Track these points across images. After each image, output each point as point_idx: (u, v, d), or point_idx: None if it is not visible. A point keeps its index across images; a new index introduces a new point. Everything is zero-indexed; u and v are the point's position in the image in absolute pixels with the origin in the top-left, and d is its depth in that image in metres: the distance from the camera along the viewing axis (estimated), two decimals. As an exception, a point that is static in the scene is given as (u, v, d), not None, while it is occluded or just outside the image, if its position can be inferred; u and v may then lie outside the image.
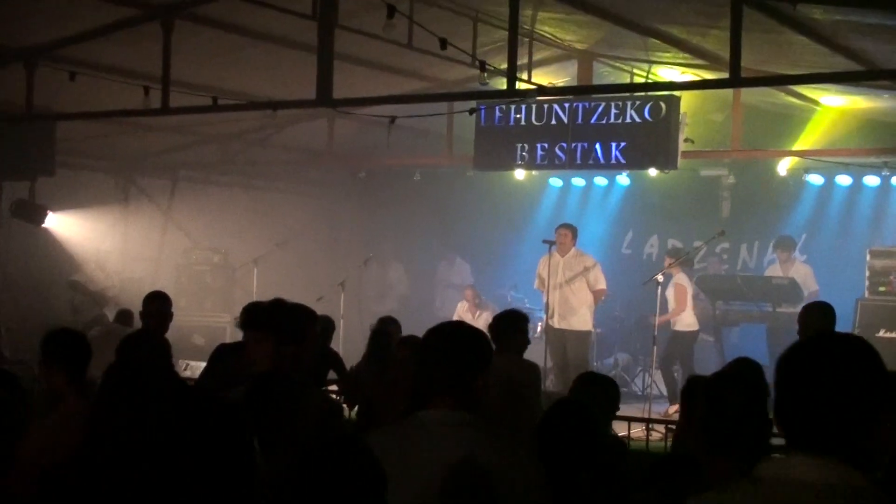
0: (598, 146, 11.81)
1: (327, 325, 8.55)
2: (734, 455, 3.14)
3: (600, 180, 15.03)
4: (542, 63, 11.82)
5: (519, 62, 8.92)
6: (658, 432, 9.03)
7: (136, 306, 7.61)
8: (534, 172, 13.79)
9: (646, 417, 9.58)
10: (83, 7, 9.26)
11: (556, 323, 11.68)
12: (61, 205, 13.15)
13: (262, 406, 3.83)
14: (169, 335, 7.45)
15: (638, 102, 11.56)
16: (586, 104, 11.86)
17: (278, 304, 4.56)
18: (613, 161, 11.89)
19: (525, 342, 7.10)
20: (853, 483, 2.15)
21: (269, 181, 16.41)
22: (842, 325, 11.70)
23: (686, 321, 12.22)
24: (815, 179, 13.60)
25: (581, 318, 11.72)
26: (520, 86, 9.44)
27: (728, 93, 11.73)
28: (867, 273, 12.07)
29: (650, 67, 12.23)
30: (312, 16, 8.85)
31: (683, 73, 12.07)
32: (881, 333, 11.54)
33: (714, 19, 8.84)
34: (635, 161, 11.89)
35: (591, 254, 12.25)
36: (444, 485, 3.12)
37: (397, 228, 15.95)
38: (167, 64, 9.70)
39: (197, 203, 15.48)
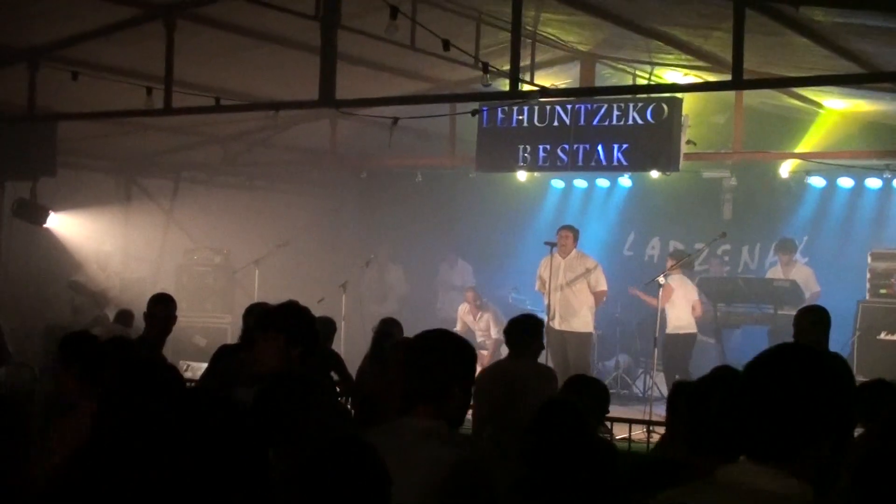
0: (600, 148, 11.80)
1: (328, 327, 8.56)
2: (718, 458, 3.18)
3: (602, 182, 15.03)
4: (545, 65, 11.82)
5: (521, 64, 8.93)
6: (659, 434, 9.01)
7: (137, 307, 7.62)
8: (536, 174, 13.81)
9: (647, 420, 9.57)
10: (85, 7, 9.26)
11: (557, 325, 11.68)
12: (63, 205, 13.15)
13: (277, 406, 3.84)
14: (170, 336, 7.46)
15: (640, 104, 11.56)
16: (588, 106, 11.85)
17: (289, 306, 4.61)
18: (615, 163, 11.89)
19: (540, 347, 7.13)
20: (801, 494, 2.23)
21: (271, 182, 16.42)
22: (843, 328, 11.80)
23: (675, 323, 12.18)
24: (817, 182, 13.59)
25: (582, 320, 11.72)
26: (522, 87, 9.45)
27: (730, 95, 11.73)
28: (868, 275, 12.08)
29: (652, 69, 12.22)
30: (315, 16, 8.86)
31: (686, 74, 12.08)
32: (882, 336, 11.55)
33: (716, 21, 8.84)
34: (637, 163, 11.88)
35: (593, 255, 12.26)
36: (403, 494, 3.14)
37: (399, 229, 15.94)
38: (170, 64, 9.71)
39: (199, 204, 15.47)
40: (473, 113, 11.45)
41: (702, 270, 13.84)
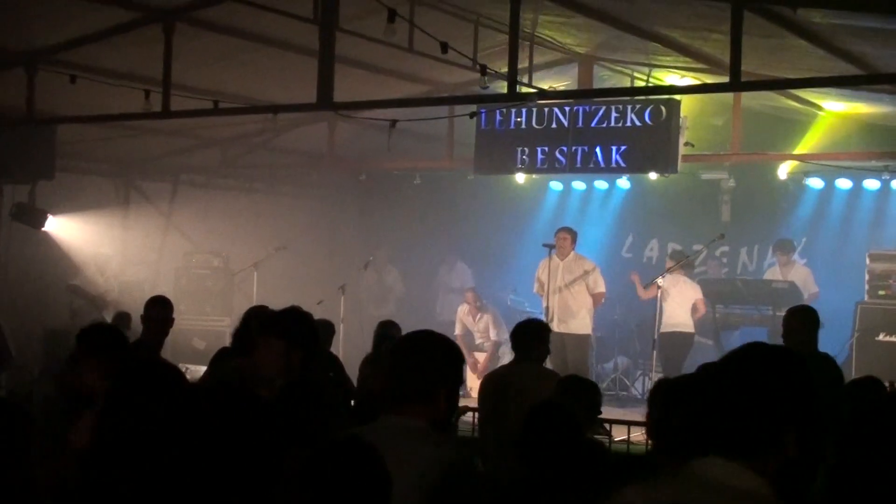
0: (598, 150, 11.81)
1: (327, 329, 8.56)
2: (681, 457, 3.23)
3: (601, 184, 15.03)
4: (543, 67, 11.82)
5: (520, 66, 8.93)
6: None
7: (136, 310, 7.62)
8: (534, 176, 13.80)
9: (645, 422, 9.55)
10: (84, 11, 9.26)
11: (556, 326, 11.68)
12: (61, 208, 13.15)
13: (297, 409, 3.87)
14: (169, 339, 7.47)
15: (638, 106, 11.56)
16: (587, 108, 11.86)
17: (290, 312, 4.64)
18: (614, 165, 11.89)
19: (546, 352, 7.13)
20: (756, 488, 2.30)
21: (270, 184, 16.42)
22: (842, 329, 11.83)
23: (669, 321, 12.14)
24: (815, 183, 13.60)
25: (580, 322, 11.73)
26: (520, 89, 9.46)
27: (728, 96, 11.74)
28: (867, 277, 12.08)
29: (650, 71, 12.24)
30: (313, 19, 8.87)
31: (683, 76, 12.09)
32: (881, 337, 11.55)
33: (714, 23, 8.84)
34: (636, 165, 11.89)
35: (591, 257, 12.27)
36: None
37: (398, 232, 15.94)
38: (168, 67, 9.71)
39: (197, 207, 15.47)
40: (472, 115, 11.48)
41: (700, 272, 13.83)
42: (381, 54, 10.49)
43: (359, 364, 8.55)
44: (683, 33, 10.07)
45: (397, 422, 3.36)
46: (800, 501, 3.71)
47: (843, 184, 13.55)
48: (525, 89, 10.02)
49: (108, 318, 11.85)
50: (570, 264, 11.81)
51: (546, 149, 12.12)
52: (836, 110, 12.78)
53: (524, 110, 12.01)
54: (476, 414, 7.63)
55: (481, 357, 13.54)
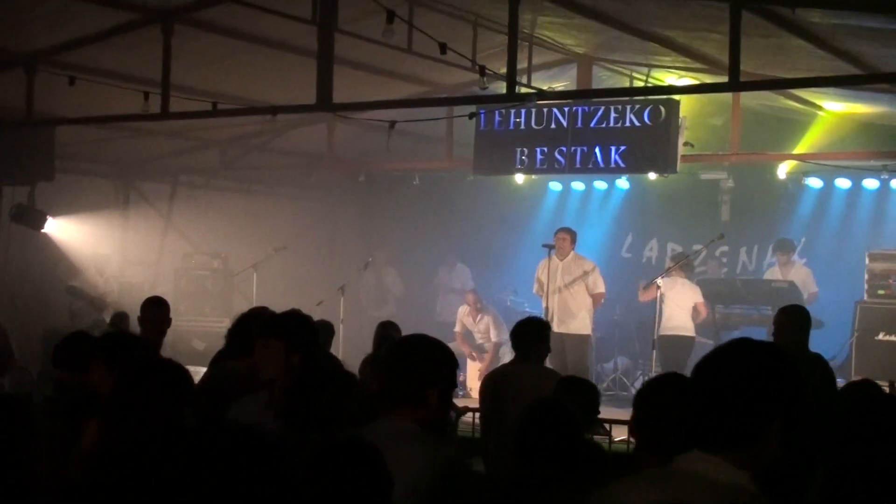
0: (597, 150, 11.81)
1: (327, 330, 8.56)
2: (663, 454, 3.26)
3: (600, 184, 15.03)
4: (542, 67, 11.83)
5: (518, 66, 8.93)
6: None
7: (135, 311, 7.61)
8: (533, 176, 13.81)
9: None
10: (83, 12, 9.26)
11: (556, 327, 11.66)
12: (61, 210, 13.15)
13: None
14: (168, 340, 7.46)
15: (637, 106, 11.56)
16: (586, 108, 11.86)
17: (290, 315, 4.65)
18: (613, 165, 11.90)
19: (547, 350, 7.13)
20: (738, 482, 2.33)
21: (269, 186, 16.41)
22: (841, 329, 11.84)
23: (667, 324, 12.10)
24: (815, 183, 13.61)
25: (580, 322, 11.72)
26: (519, 90, 9.46)
27: (727, 97, 11.74)
28: (866, 276, 12.08)
29: (649, 71, 12.24)
30: (312, 20, 8.87)
31: (682, 77, 12.08)
32: (880, 336, 11.55)
33: (713, 23, 8.85)
34: (635, 165, 11.89)
35: (591, 257, 12.26)
36: None
37: (397, 233, 15.94)
38: (167, 68, 9.71)
39: (197, 208, 15.47)
40: (471, 116, 11.47)
41: (700, 272, 13.83)
42: (380, 55, 10.49)
43: (358, 365, 8.54)
44: (682, 33, 10.08)
45: (390, 424, 3.41)
46: (798, 502, 3.73)
47: (843, 183, 13.55)
48: (524, 90, 10.03)
49: (108, 319, 11.86)
50: (570, 265, 11.80)
51: (545, 149, 12.13)
52: (835, 110, 12.78)
53: (523, 111, 12.01)
54: (477, 414, 7.63)
55: (483, 357, 13.54)
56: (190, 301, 14.58)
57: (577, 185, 15.25)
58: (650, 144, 11.58)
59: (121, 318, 10.88)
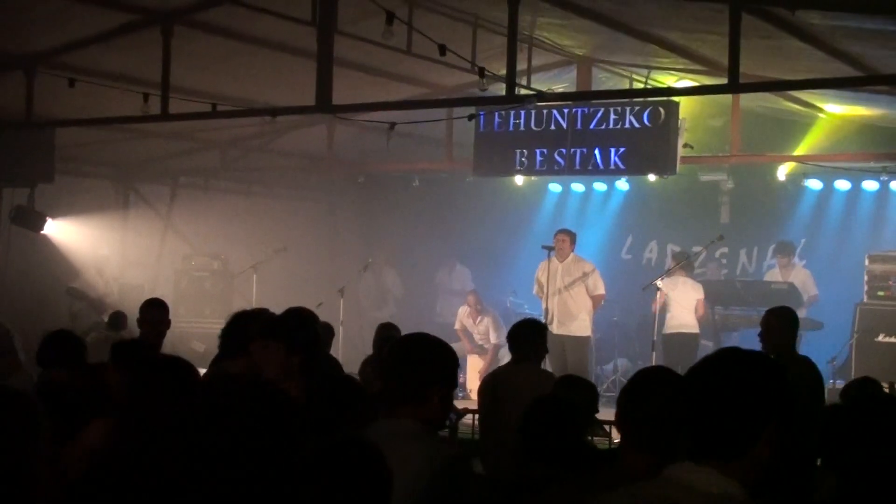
0: (597, 152, 11.81)
1: (326, 332, 8.55)
2: (645, 452, 3.33)
3: (599, 186, 15.04)
4: (541, 69, 11.82)
5: (518, 68, 8.93)
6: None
7: (136, 312, 7.61)
8: (533, 178, 13.81)
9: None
10: (83, 14, 9.26)
11: (556, 329, 11.68)
12: (60, 211, 13.15)
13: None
14: (168, 341, 7.46)
15: (637, 108, 11.56)
16: (585, 110, 11.86)
17: (291, 315, 4.64)
18: (612, 166, 11.90)
19: (544, 352, 7.14)
20: (729, 491, 2.33)
21: (269, 187, 16.41)
22: (841, 331, 11.83)
23: (671, 323, 12.14)
24: (814, 184, 13.61)
25: (580, 324, 11.73)
26: (519, 91, 9.45)
27: (727, 98, 11.74)
28: (866, 278, 12.08)
29: (649, 73, 12.23)
30: (312, 22, 8.86)
31: (682, 78, 12.08)
32: (880, 338, 11.55)
33: (712, 25, 8.84)
34: (634, 166, 11.89)
35: (591, 259, 12.26)
36: None
37: (397, 234, 15.95)
38: (167, 70, 9.71)
39: (196, 209, 15.47)
40: (470, 117, 11.48)
41: (700, 273, 13.83)
42: (379, 57, 10.49)
43: (358, 366, 8.55)
44: (682, 35, 10.07)
45: (391, 424, 3.41)
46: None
47: (842, 185, 13.56)
48: (524, 91, 10.02)
49: (107, 321, 11.85)
50: (570, 266, 11.81)
51: (545, 151, 12.12)
52: (834, 112, 12.78)
53: (523, 112, 12.01)
54: (476, 416, 7.63)
55: (482, 359, 13.54)
56: (189, 302, 14.58)
57: (577, 187, 15.26)
58: (650, 146, 11.58)
59: (119, 318, 10.88)
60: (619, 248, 15.52)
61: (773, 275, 13.17)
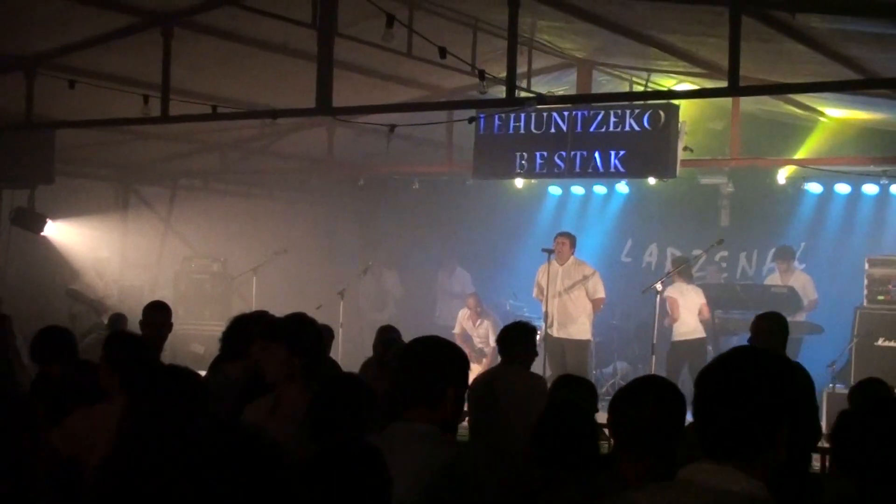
0: (597, 154, 11.80)
1: (326, 335, 8.55)
2: (641, 455, 3.34)
3: (599, 189, 15.04)
4: (542, 71, 11.83)
5: (518, 71, 8.93)
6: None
7: (135, 314, 7.62)
8: (533, 181, 13.80)
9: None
10: (83, 15, 9.26)
11: (555, 332, 11.69)
12: (60, 213, 13.16)
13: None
14: (168, 343, 7.46)
15: (637, 111, 11.56)
16: (585, 112, 11.86)
17: (294, 318, 4.64)
18: (612, 169, 11.89)
19: (532, 355, 7.13)
20: (751, 491, 2.33)
21: (269, 189, 16.42)
22: (841, 335, 11.82)
23: (679, 330, 12.19)
24: (814, 188, 13.61)
25: (580, 327, 11.73)
26: (519, 94, 9.45)
27: (727, 101, 11.74)
28: (866, 282, 12.05)
29: (649, 76, 12.24)
30: (312, 24, 8.87)
31: (682, 81, 12.09)
32: (880, 342, 11.53)
33: (712, 28, 8.85)
34: (634, 169, 11.89)
35: (590, 262, 12.26)
36: (401, 494, 3.20)
37: (396, 237, 15.95)
38: (167, 72, 9.71)
39: (196, 211, 15.48)
40: (470, 120, 11.48)
41: (699, 277, 13.83)
42: (379, 59, 10.50)
43: (358, 369, 8.54)
44: (682, 38, 10.08)
45: (407, 426, 3.42)
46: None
47: (842, 189, 13.56)
48: (524, 94, 10.03)
49: (107, 322, 11.85)
50: (570, 269, 11.81)
51: (545, 153, 12.12)
52: (834, 115, 12.78)
53: (523, 115, 12.01)
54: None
55: (482, 362, 13.53)
56: (189, 304, 14.58)
57: (577, 190, 15.26)
58: (650, 149, 11.57)
59: (118, 319, 10.88)
60: (618, 251, 15.51)
61: (773, 279, 13.17)
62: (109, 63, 10.39)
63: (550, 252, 11.77)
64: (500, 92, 9.89)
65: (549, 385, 6.75)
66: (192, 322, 14.14)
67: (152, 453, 3.21)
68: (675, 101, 11.56)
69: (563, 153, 11.98)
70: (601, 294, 11.87)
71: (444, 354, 3.53)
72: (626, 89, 12.49)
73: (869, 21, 8.14)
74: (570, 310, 11.71)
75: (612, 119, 11.70)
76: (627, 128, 11.64)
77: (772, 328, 6.57)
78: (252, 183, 16.12)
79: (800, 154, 13.08)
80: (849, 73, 9.58)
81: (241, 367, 5.50)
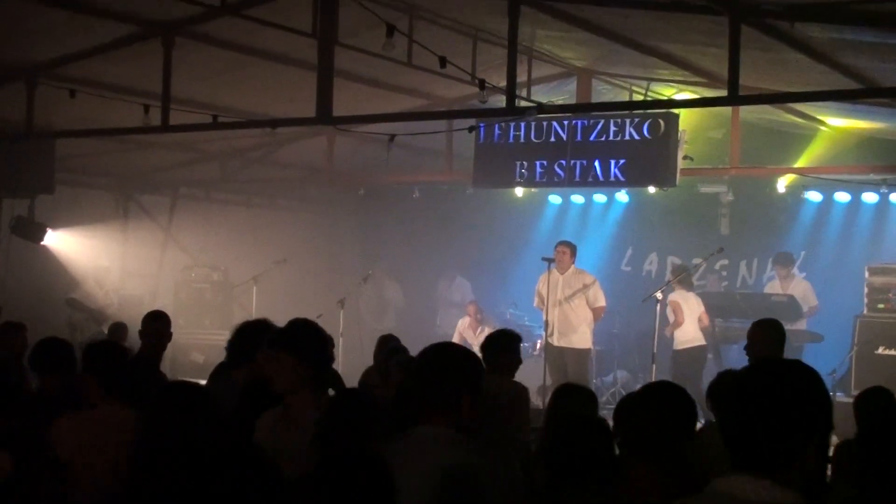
0: (597, 163, 11.81)
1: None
2: (648, 460, 3.34)
3: (599, 197, 15.05)
4: (541, 81, 11.84)
5: (518, 80, 8.94)
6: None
7: (135, 324, 7.61)
8: (533, 190, 13.81)
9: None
10: (84, 25, 9.28)
11: (556, 341, 11.68)
12: (61, 222, 13.16)
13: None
14: (168, 353, 7.46)
15: (637, 120, 11.57)
16: (585, 121, 11.87)
17: (301, 325, 4.61)
18: (612, 178, 11.89)
19: (517, 363, 7.09)
20: (788, 502, 2.32)
21: (269, 198, 16.43)
22: (841, 343, 11.82)
23: (681, 338, 12.19)
24: (814, 196, 13.62)
25: (581, 336, 11.72)
26: (519, 103, 9.46)
27: (727, 110, 11.75)
28: (866, 290, 12.06)
29: (649, 85, 12.25)
30: (312, 34, 8.88)
31: (682, 90, 12.10)
32: (880, 351, 11.53)
33: (712, 37, 8.86)
34: (634, 178, 11.89)
35: (591, 271, 12.26)
36: (420, 498, 3.21)
37: (397, 246, 15.95)
38: (167, 81, 9.72)
39: (196, 220, 15.48)
40: (470, 129, 11.48)
41: (700, 286, 13.83)
42: (379, 69, 10.50)
43: (358, 377, 8.53)
44: (681, 47, 10.09)
45: (427, 431, 3.44)
46: None
47: (842, 197, 13.57)
48: (524, 103, 10.03)
49: (107, 331, 11.84)
50: (570, 278, 11.81)
51: (545, 162, 12.13)
52: (834, 124, 12.79)
53: (523, 124, 12.02)
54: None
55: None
56: (189, 313, 14.58)
57: (577, 199, 15.27)
58: (650, 158, 11.57)
59: (119, 329, 10.88)
60: (619, 259, 15.52)
61: (773, 287, 13.16)
62: (110, 72, 10.40)
63: (551, 261, 11.77)
64: (500, 101, 9.90)
65: (550, 394, 6.74)
66: (192, 331, 14.14)
67: (164, 475, 3.24)
68: (675, 110, 11.57)
69: (563, 162, 11.99)
70: (602, 303, 11.87)
71: (462, 361, 3.56)
72: (626, 98, 12.50)
73: (868, 31, 8.16)
74: (570, 319, 11.71)
75: (612, 128, 11.71)
76: (627, 137, 11.65)
77: (766, 335, 6.56)
78: (252, 192, 16.13)
79: (799, 163, 13.08)
80: (848, 82, 9.59)
81: (244, 374, 5.50)
